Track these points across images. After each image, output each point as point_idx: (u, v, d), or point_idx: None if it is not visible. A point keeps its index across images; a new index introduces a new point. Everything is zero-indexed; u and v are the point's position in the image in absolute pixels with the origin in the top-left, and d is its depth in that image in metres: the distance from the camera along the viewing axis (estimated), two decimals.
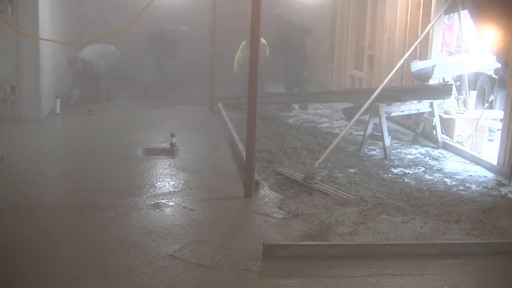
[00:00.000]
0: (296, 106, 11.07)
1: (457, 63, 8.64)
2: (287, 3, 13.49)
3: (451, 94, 8.11)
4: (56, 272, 3.97)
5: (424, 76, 8.36)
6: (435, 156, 7.62)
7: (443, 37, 9.68)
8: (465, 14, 8.52)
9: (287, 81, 11.35)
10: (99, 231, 4.69)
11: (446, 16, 9.41)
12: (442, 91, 7.97)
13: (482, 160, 7.21)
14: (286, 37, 11.00)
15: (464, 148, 7.75)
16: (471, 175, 6.76)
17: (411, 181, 6.45)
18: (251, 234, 4.75)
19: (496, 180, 6.55)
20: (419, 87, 8.31)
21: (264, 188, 5.93)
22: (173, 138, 7.46)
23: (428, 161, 7.36)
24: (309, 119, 10.16)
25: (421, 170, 6.91)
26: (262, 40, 11.66)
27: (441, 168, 7.04)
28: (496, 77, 8.42)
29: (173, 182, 6.12)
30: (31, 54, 8.70)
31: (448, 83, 8.23)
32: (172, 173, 6.44)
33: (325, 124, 9.71)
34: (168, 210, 5.23)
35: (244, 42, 10.98)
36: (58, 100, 9.69)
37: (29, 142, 7.86)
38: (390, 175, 6.67)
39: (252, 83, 5.49)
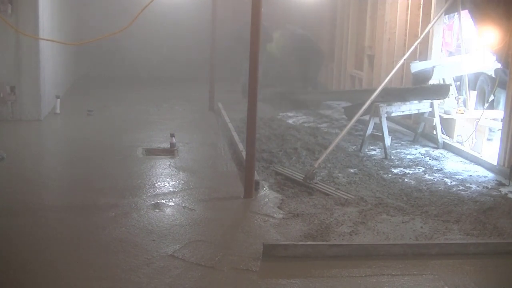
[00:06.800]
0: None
1: (457, 64, 8.64)
2: (288, 3, 13.49)
3: (448, 94, 8.12)
4: (56, 272, 3.97)
5: (424, 76, 8.36)
6: (435, 156, 7.62)
7: (443, 37, 9.68)
8: (465, 14, 8.52)
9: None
10: (99, 231, 4.69)
11: (446, 16, 9.41)
12: (440, 91, 7.98)
13: (482, 160, 7.21)
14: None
15: (464, 148, 7.75)
16: (471, 175, 6.76)
17: (411, 181, 6.45)
18: (251, 234, 4.75)
19: (496, 180, 6.55)
20: (420, 87, 8.31)
21: (264, 188, 5.93)
22: (173, 138, 7.46)
23: (428, 161, 7.36)
24: (309, 119, 10.16)
25: (421, 170, 6.91)
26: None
27: (441, 168, 7.04)
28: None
29: (173, 182, 6.12)
30: (31, 54, 8.70)
31: (446, 83, 8.25)
32: (172, 173, 6.44)
33: (325, 124, 9.72)
34: (168, 210, 5.23)
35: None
36: (58, 100, 9.69)
37: (29, 142, 7.86)
38: (390, 175, 6.67)
39: (252, 83, 5.49)
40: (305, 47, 12.89)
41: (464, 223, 5.08)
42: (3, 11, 8.26)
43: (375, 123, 7.75)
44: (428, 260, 4.34)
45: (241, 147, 7.00)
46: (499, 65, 7.56)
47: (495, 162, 6.93)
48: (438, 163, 7.31)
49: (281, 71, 13.44)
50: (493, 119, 7.85)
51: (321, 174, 6.51)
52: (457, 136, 8.15)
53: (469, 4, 7.65)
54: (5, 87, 8.69)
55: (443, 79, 8.67)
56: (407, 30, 9.46)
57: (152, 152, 7.29)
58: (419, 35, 8.62)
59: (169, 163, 6.84)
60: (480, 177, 6.71)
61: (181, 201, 5.49)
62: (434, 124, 8.19)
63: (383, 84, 7.61)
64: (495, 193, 6.08)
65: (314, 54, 13.06)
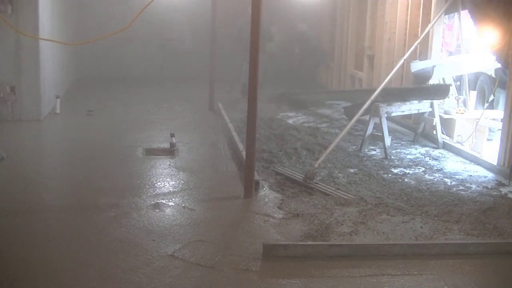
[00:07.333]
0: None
1: (457, 63, 8.63)
2: (287, 3, 13.50)
3: (448, 94, 8.12)
4: (56, 272, 3.97)
5: (424, 76, 8.36)
6: (435, 156, 7.62)
7: (443, 37, 9.68)
8: (465, 14, 8.52)
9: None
10: (99, 231, 4.70)
11: (446, 16, 9.40)
12: (440, 91, 7.98)
13: (482, 160, 7.21)
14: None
15: (464, 148, 7.75)
16: (471, 175, 6.76)
17: (411, 181, 6.45)
18: (251, 234, 4.75)
19: (496, 180, 6.55)
20: (420, 86, 8.31)
21: (264, 188, 5.93)
22: (173, 138, 7.46)
23: (428, 161, 7.36)
24: (309, 119, 10.16)
25: (421, 170, 6.91)
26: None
27: (441, 168, 7.04)
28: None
29: (173, 182, 6.12)
30: (31, 54, 8.69)
31: (446, 83, 8.26)
32: (172, 173, 6.44)
33: (325, 124, 9.72)
34: (168, 210, 5.23)
35: None
36: (58, 100, 9.69)
37: (29, 142, 7.86)
38: (390, 175, 6.67)
39: (252, 83, 5.50)
40: (308, 45, 13.02)
41: (464, 223, 5.08)
42: (3, 11, 8.27)
43: (375, 123, 7.75)
44: (428, 260, 4.34)
45: (241, 147, 7.00)
46: (499, 65, 7.56)
47: (495, 162, 6.93)
48: (438, 163, 7.31)
49: (282, 69, 13.53)
50: (493, 119, 7.84)
51: (321, 174, 6.51)
52: (457, 136, 8.15)
53: (469, 4, 7.65)
54: (5, 87, 8.69)
55: (443, 79, 8.67)
56: (407, 30, 9.46)
57: (152, 152, 7.29)
58: (419, 35, 8.62)
59: (169, 163, 6.84)
60: (480, 177, 6.71)
61: (181, 201, 5.49)
62: (434, 124, 8.19)
63: (383, 84, 7.61)
64: (495, 193, 6.08)
65: (317, 53, 13.13)
